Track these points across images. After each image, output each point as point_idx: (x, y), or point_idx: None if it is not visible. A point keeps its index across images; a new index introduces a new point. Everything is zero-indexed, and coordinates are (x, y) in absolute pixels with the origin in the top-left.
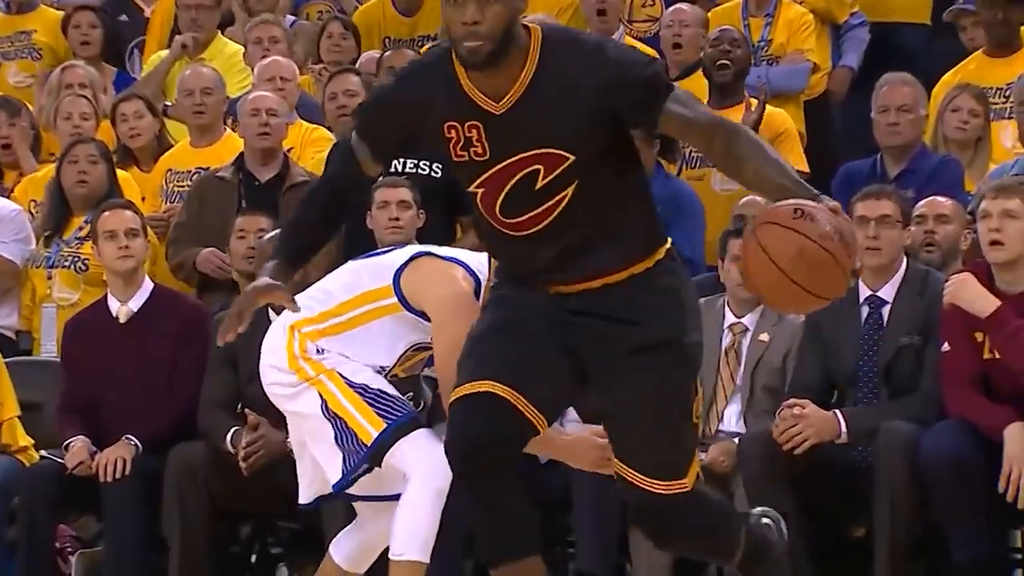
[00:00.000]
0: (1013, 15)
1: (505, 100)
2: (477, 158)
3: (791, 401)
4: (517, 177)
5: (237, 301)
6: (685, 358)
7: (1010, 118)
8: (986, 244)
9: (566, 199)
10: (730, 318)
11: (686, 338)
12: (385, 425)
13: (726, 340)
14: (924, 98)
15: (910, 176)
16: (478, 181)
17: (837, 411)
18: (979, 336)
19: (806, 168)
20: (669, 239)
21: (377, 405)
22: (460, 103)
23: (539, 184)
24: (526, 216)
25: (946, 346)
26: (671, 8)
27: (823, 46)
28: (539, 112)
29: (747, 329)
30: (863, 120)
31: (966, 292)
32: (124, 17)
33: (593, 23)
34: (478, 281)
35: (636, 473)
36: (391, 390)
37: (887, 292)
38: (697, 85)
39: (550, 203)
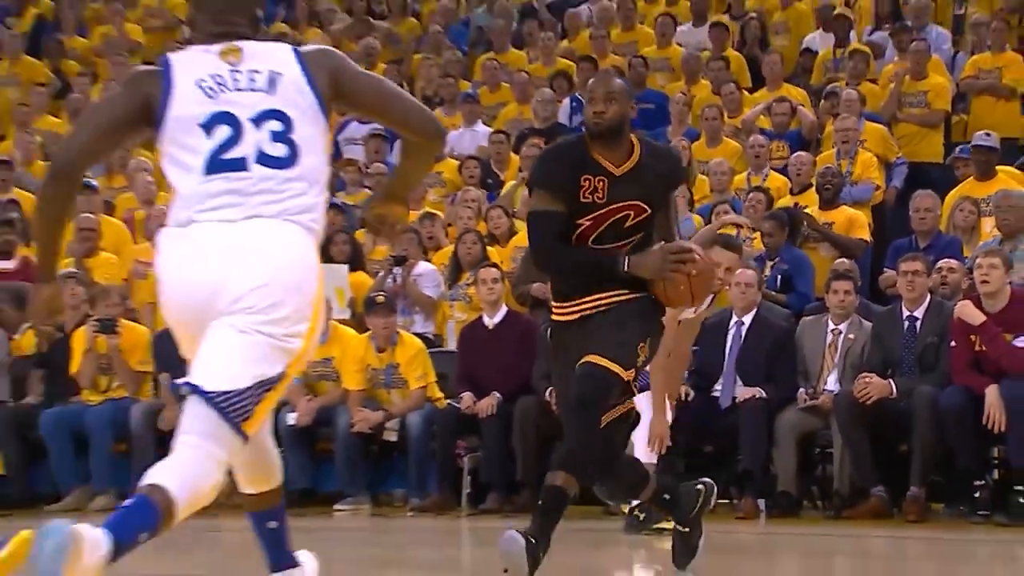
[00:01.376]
0: (992, 158)
1: (623, 167)
2: (598, 201)
3: (863, 374)
4: (614, 217)
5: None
6: (642, 312)
7: (990, 215)
8: (979, 283)
9: (639, 237)
10: (831, 325)
11: (649, 305)
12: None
13: (828, 339)
14: (939, 204)
15: (932, 248)
16: (589, 217)
17: (891, 380)
18: (973, 338)
19: (867, 237)
20: None
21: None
22: (593, 165)
23: (627, 224)
24: (612, 246)
25: (953, 343)
26: (795, 154)
27: (881, 175)
28: (639, 179)
29: (841, 332)
30: (904, 217)
31: (966, 311)
32: (489, 180)
33: (751, 161)
34: None
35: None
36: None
37: (919, 313)
38: (810, 198)
39: (631, 239)
